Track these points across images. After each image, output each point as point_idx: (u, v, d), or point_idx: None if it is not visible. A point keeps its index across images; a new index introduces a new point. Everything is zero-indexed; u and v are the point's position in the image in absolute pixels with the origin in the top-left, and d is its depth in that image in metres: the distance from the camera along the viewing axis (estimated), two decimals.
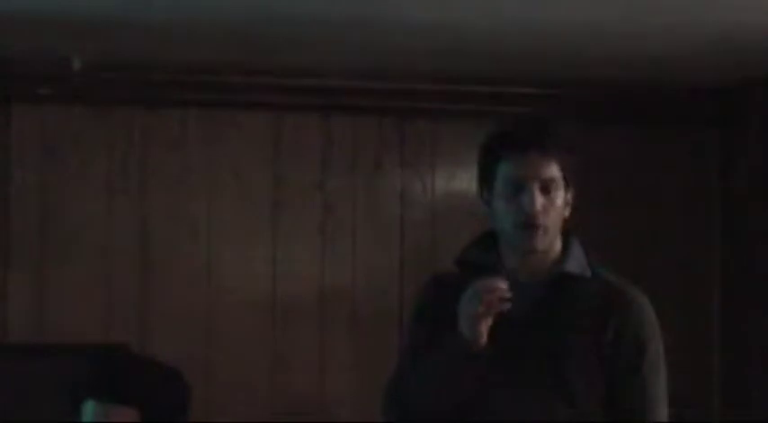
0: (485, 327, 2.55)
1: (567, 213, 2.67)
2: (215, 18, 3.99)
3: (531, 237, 2.59)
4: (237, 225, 5.05)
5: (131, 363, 2.74)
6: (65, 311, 4.85)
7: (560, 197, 2.62)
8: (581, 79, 5.03)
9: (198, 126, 5.03)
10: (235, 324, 5.01)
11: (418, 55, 4.57)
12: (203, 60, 4.78)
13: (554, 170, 2.60)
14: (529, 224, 2.58)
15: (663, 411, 2.71)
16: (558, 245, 2.69)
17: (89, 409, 2.59)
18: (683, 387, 5.30)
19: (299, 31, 4.18)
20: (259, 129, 5.08)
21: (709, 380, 5.33)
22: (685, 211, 5.36)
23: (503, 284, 2.53)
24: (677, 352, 5.29)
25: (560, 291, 2.65)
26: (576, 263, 2.67)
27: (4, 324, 4.83)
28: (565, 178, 2.63)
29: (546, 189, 2.59)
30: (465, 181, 5.14)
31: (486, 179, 2.67)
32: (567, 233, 2.71)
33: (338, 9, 3.86)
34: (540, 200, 2.58)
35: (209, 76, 4.90)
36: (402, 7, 3.83)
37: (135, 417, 2.58)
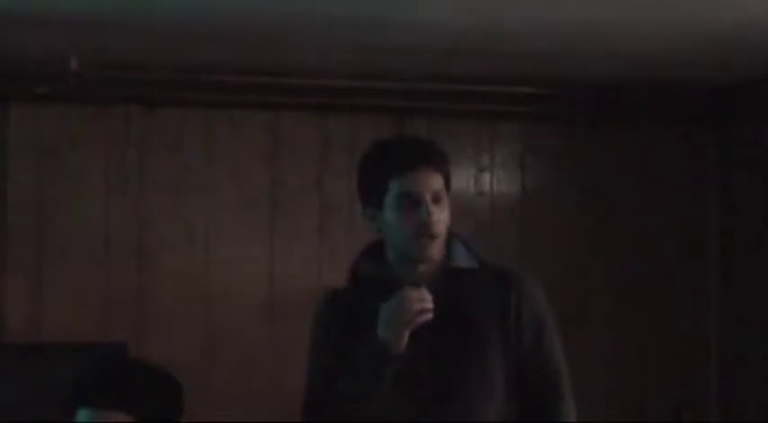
0: (407, 335, 2.70)
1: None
2: (214, 18, 3.99)
3: (427, 246, 2.78)
4: (235, 225, 5.04)
5: (124, 365, 2.74)
6: (62, 311, 4.84)
7: (447, 206, 2.81)
8: (581, 79, 5.02)
9: (196, 126, 5.02)
10: (233, 324, 5.00)
11: (418, 55, 4.56)
12: (202, 60, 4.77)
13: (441, 182, 2.79)
14: (426, 234, 2.76)
15: (566, 381, 2.85)
16: (443, 248, 2.86)
17: (83, 414, 2.58)
18: (681, 387, 5.33)
19: (297, 30, 4.17)
20: (257, 128, 5.07)
21: (707, 380, 5.33)
22: (684, 211, 5.35)
23: (428, 296, 2.69)
24: (676, 352, 5.33)
25: (452, 287, 2.81)
26: (462, 258, 2.85)
27: (1, 324, 4.83)
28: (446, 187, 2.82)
29: (436, 200, 2.77)
30: (462, 180, 5.14)
31: (374, 195, 2.81)
32: (448, 235, 2.88)
33: (338, 9, 3.85)
34: (434, 211, 2.76)
35: (207, 76, 4.89)
36: (402, 7, 3.82)
37: (128, 419, 2.57)
